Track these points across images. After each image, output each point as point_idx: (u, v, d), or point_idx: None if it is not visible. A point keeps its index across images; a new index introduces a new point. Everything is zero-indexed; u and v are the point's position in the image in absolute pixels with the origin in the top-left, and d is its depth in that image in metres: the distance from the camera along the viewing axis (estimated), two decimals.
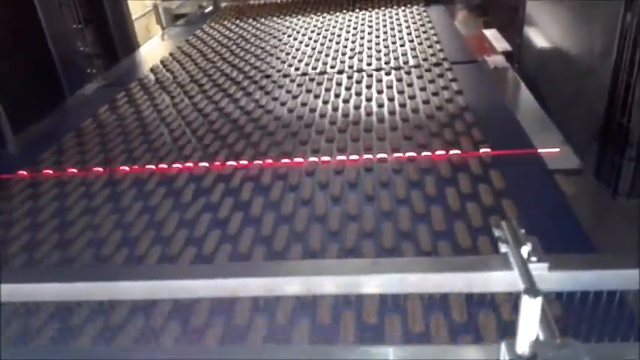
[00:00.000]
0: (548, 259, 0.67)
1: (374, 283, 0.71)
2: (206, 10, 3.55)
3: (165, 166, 1.49)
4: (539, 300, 0.50)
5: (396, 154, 1.43)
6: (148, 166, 1.49)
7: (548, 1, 2.16)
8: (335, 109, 1.80)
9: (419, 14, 2.95)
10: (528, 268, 0.64)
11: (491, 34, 2.56)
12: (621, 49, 1.48)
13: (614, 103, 1.52)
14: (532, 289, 0.52)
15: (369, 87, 1.96)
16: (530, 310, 0.50)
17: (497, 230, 0.71)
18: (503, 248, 0.69)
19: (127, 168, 1.50)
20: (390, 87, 1.94)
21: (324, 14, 3.14)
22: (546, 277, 0.66)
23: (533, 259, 0.66)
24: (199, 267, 0.98)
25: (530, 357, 0.49)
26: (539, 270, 0.66)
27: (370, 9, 3.16)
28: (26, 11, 2.35)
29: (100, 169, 1.51)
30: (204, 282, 0.72)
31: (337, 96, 1.91)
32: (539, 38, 2.22)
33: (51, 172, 1.53)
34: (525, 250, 0.66)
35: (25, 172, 1.53)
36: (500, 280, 0.67)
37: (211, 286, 0.72)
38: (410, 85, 1.94)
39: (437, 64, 2.12)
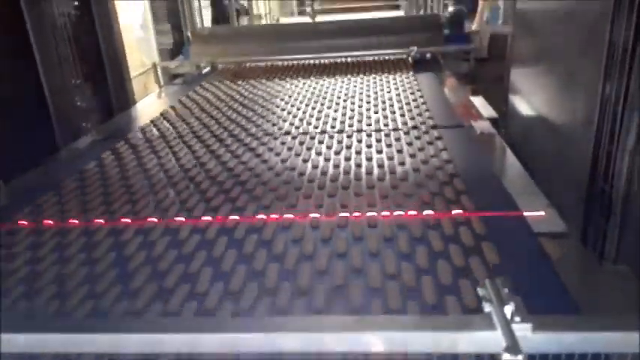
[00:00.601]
0: (532, 320, 0.66)
1: (357, 341, 0.70)
2: (203, 71, 3.65)
3: (140, 218, 1.49)
4: (519, 359, 0.49)
5: (384, 213, 1.44)
6: (123, 219, 1.49)
7: (530, 70, 2.25)
8: (316, 167, 1.83)
9: (409, 81, 3.06)
10: (511, 328, 0.64)
11: (478, 101, 2.64)
12: (602, 118, 1.53)
13: (597, 169, 1.55)
14: (513, 348, 0.52)
15: (358, 149, 2.00)
16: None
17: (481, 289, 0.71)
18: (487, 307, 0.68)
19: (101, 221, 1.49)
20: (379, 150, 1.97)
21: (317, 79, 3.25)
22: (530, 338, 0.65)
23: (517, 319, 0.66)
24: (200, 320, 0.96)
25: None
26: (523, 330, 0.66)
27: (362, 75, 3.28)
28: (27, 64, 2.41)
29: (76, 221, 1.50)
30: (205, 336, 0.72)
31: (319, 154, 1.94)
32: (523, 106, 2.30)
33: (26, 223, 1.52)
34: (509, 309, 0.66)
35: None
36: (483, 340, 0.67)
37: (212, 340, 0.71)
38: (399, 147, 1.98)
39: (425, 128, 2.18)
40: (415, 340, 0.67)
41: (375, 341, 0.68)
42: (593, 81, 1.56)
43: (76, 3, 3.17)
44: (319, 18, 6.64)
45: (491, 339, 0.66)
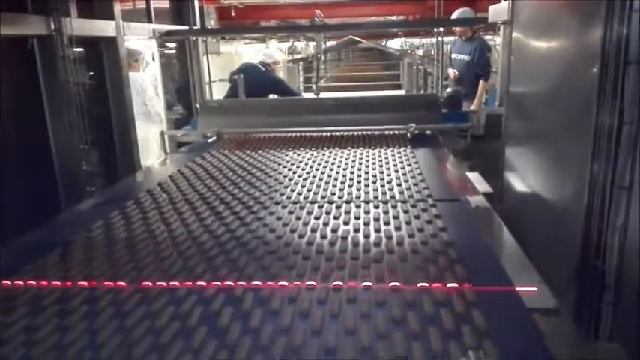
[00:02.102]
0: None
1: None
2: (209, 140, 3.76)
3: (145, 282, 1.50)
4: None
5: (379, 285, 1.45)
6: (122, 282, 1.50)
7: (522, 149, 2.33)
8: (322, 236, 1.86)
9: (406, 156, 3.14)
10: None
11: (474, 176, 2.71)
12: (591, 196, 1.58)
13: (589, 246, 1.58)
14: None
15: (357, 218, 2.03)
16: None
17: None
18: None
19: (110, 283, 1.50)
20: (376, 218, 2.01)
21: (319, 151, 3.34)
22: None
23: None
24: None
25: None
26: None
27: (362, 148, 3.37)
28: (38, 127, 2.51)
29: (84, 283, 1.51)
30: None
31: (326, 224, 1.97)
32: (517, 182, 2.36)
33: (26, 282, 1.53)
34: None
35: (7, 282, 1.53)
36: None
37: None
38: (396, 218, 2.01)
39: (421, 201, 2.22)
40: None
41: None
42: (583, 161, 1.62)
43: (91, 73, 3.34)
44: (325, 95, 6.88)
45: None
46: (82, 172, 2.76)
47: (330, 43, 8.72)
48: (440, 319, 1.25)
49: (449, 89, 4.71)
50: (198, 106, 4.17)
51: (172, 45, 5.10)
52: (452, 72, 5.35)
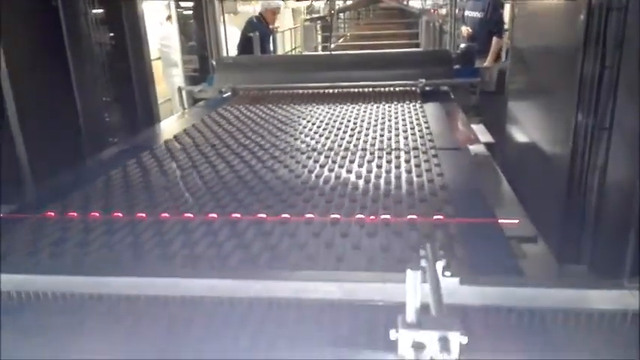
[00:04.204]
0: (460, 276, 0.80)
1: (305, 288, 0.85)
2: (224, 95, 3.89)
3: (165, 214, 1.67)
4: (418, 273, 0.64)
5: (383, 216, 1.59)
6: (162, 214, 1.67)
7: (522, 100, 2.42)
8: (325, 181, 2.00)
9: (415, 109, 3.23)
10: (439, 280, 0.78)
11: (478, 128, 2.80)
12: (576, 137, 1.68)
13: (572, 184, 1.69)
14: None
15: (361, 165, 2.16)
16: (412, 282, 0.64)
17: (422, 250, 0.85)
18: (422, 263, 0.83)
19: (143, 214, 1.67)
20: (379, 166, 2.14)
21: (330, 106, 3.44)
22: (457, 290, 0.79)
23: (447, 274, 0.80)
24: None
25: (416, 324, 0.63)
26: (452, 284, 0.80)
27: (373, 103, 3.46)
28: (63, 81, 2.67)
29: (120, 214, 1.68)
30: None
31: (331, 170, 2.11)
32: (516, 131, 2.45)
33: (75, 214, 1.70)
34: (440, 265, 0.81)
35: (52, 213, 1.71)
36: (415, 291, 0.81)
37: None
38: (398, 165, 2.13)
39: (424, 150, 2.33)
40: (358, 291, 0.82)
41: (326, 289, 0.83)
42: (570, 107, 1.71)
43: (112, 34, 3.47)
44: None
45: (425, 290, 0.79)
46: (105, 123, 2.94)
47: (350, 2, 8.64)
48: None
49: (462, 45, 4.73)
50: (214, 62, 4.28)
51: (190, 4, 5.18)
52: (465, 29, 5.34)
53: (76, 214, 1.71)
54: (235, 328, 0.91)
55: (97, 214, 1.69)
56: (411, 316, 0.63)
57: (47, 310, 1.01)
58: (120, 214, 1.68)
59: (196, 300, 0.94)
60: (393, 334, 0.63)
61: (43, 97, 2.61)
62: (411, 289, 0.64)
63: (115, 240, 1.49)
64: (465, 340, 0.61)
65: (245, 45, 5.42)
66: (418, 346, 0.59)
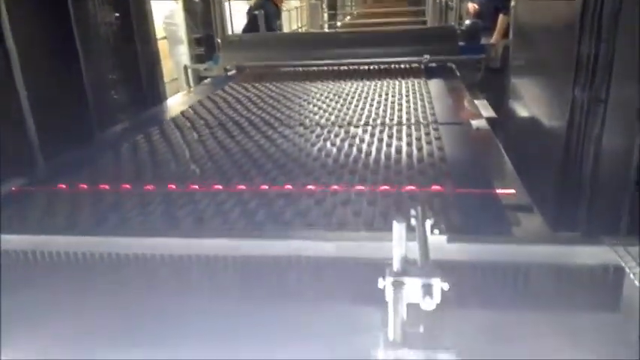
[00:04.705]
0: (448, 234, 0.85)
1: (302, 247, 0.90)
2: (229, 73, 3.92)
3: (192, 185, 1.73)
4: (403, 225, 0.69)
5: (384, 187, 1.64)
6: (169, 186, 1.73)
7: (523, 75, 2.44)
8: (327, 155, 2.04)
9: (420, 85, 3.26)
10: (427, 237, 0.83)
11: (481, 103, 2.82)
12: (573, 110, 1.71)
13: (569, 155, 1.72)
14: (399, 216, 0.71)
15: (362, 140, 2.20)
16: (398, 233, 0.69)
17: (413, 211, 0.90)
18: (412, 222, 0.88)
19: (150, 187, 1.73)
20: (381, 139, 2.18)
21: (335, 83, 3.47)
22: (444, 247, 0.84)
23: (435, 232, 0.86)
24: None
25: (400, 273, 0.68)
26: (439, 241, 0.85)
27: (378, 80, 3.49)
28: (71, 59, 2.72)
29: (128, 186, 1.74)
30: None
31: (333, 144, 2.15)
32: (517, 107, 2.48)
33: (85, 186, 1.77)
34: (428, 223, 0.86)
35: (63, 185, 1.78)
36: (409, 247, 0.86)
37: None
38: (400, 138, 2.18)
39: (426, 124, 2.37)
40: (345, 248, 0.87)
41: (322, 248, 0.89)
42: (567, 81, 1.74)
43: (117, 14, 3.50)
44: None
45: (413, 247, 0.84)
46: (113, 100, 2.99)
47: None
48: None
49: (467, 22, 4.71)
50: (219, 41, 4.31)
51: None
52: (471, 5, 5.30)
53: (86, 185, 1.77)
54: (238, 284, 0.97)
55: (107, 187, 1.76)
56: (397, 265, 0.68)
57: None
58: (128, 186, 1.74)
59: (203, 258, 1.00)
60: (380, 282, 0.68)
61: (51, 76, 2.66)
62: (397, 240, 0.69)
63: (127, 208, 1.56)
64: (446, 286, 0.66)
65: (253, 24, 5.42)
66: (397, 284, 0.64)
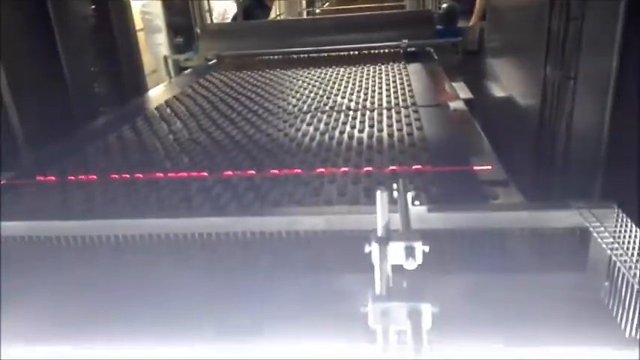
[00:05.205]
0: (428, 204, 0.92)
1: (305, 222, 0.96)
2: (209, 63, 3.94)
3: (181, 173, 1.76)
4: (385, 193, 0.75)
5: (366, 168, 1.70)
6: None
7: (498, 56, 2.51)
8: (311, 139, 2.09)
9: (399, 70, 3.31)
10: (408, 207, 0.89)
11: (459, 85, 2.90)
12: (545, 88, 1.78)
13: (542, 130, 1.80)
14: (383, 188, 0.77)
15: (344, 123, 2.26)
16: (381, 201, 0.75)
17: (395, 184, 0.96)
18: (395, 195, 0.94)
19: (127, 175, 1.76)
20: (362, 122, 2.24)
21: (315, 69, 3.51)
22: (424, 217, 0.90)
23: (417, 203, 0.91)
24: None
25: (384, 238, 0.73)
26: (420, 211, 0.91)
27: (357, 65, 3.53)
28: (50, 53, 2.73)
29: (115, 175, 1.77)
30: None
31: (317, 129, 2.20)
32: (493, 88, 2.56)
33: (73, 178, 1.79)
34: (410, 195, 0.91)
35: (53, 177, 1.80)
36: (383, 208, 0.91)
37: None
38: (380, 121, 2.23)
39: (405, 107, 2.43)
40: (342, 220, 0.93)
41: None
42: (539, 60, 1.81)
43: (93, 7, 3.49)
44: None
45: (395, 218, 0.90)
46: (94, 93, 3.00)
47: None
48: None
49: (444, 5, 4.76)
50: (199, 30, 4.31)
51: None
52: None
53: (74, 176, 1.80)
54: (234, 258, 1.03)
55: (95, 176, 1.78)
56: (381, 231, 0.74)
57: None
58: (115, 175, 1.77)
59: (197, 237, 1.04)
60: (367, 248, 0.74)
61: (33, 70, 2.67)
62: (380, 208, 0.75)
63: (117, 194, 1.59)
64: (427, 249, 0.72)
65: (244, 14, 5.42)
66: (382, 246, 0.70)
